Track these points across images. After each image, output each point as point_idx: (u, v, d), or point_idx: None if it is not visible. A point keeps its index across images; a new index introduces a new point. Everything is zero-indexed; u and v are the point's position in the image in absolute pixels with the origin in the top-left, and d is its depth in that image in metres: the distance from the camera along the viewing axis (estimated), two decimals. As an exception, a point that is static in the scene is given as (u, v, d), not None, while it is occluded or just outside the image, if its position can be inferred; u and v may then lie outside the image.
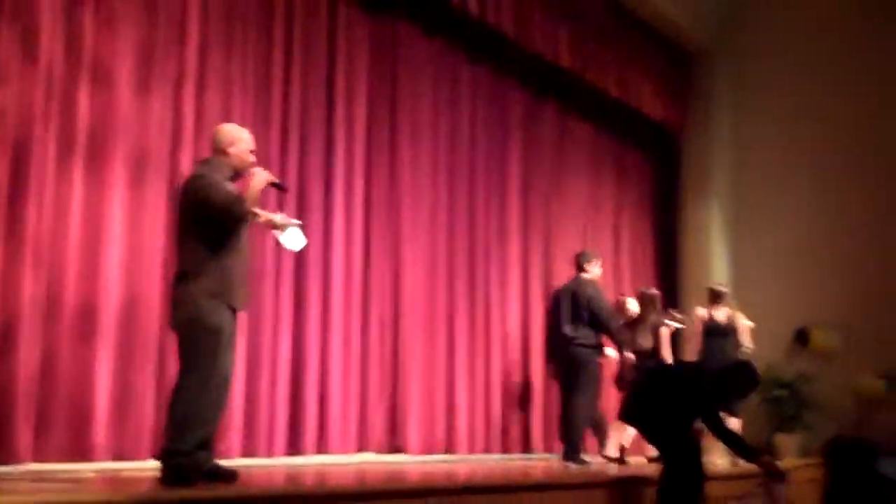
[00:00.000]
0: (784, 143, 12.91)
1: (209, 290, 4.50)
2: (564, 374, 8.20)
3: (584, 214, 11.32)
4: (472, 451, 9.12)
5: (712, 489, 5.93)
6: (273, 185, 4.86)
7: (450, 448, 8.89)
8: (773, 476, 5.90)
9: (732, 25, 13.33)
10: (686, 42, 12.65)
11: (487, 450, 9.36)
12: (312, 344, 7.57)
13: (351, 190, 8.14)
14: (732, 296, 12.33)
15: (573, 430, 7.87)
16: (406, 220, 8.69)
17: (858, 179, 12.31)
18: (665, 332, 8.58)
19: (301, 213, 7.24)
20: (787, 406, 11.67)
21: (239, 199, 4.58)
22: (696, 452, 5.66)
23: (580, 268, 8.41)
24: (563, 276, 10.55)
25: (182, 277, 4.56)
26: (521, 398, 10.01)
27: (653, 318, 8.63)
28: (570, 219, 11.08)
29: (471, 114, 9.74)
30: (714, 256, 12.77)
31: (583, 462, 7.75)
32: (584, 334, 8.04)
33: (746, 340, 9.11)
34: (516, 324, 10.06)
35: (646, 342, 8.49)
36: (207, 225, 4.54)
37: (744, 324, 9.18)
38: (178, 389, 4.47)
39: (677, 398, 5.69)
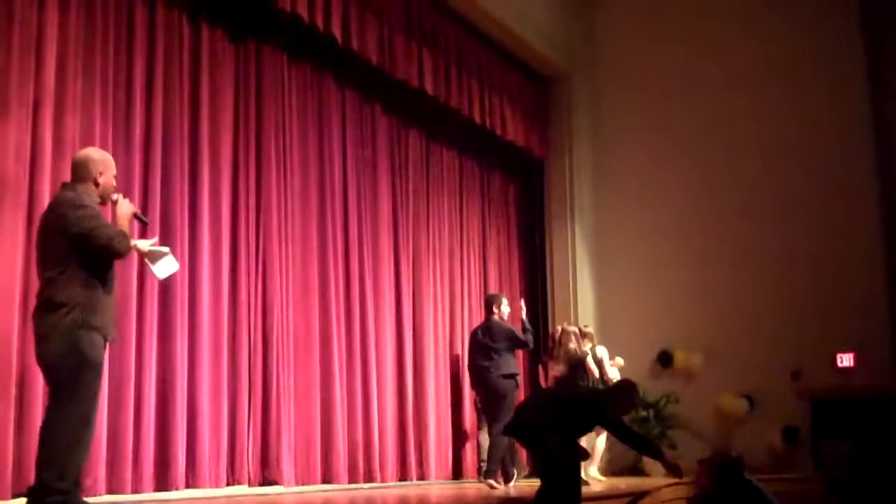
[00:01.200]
0: (642, 161, 13.45)
1: (87, 322, 4.39)
2: (486, 402, 9.43)
3: (452, 237, 11.46)
4: (351, 480, 9.02)
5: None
6: (136, 216, 4.76)
7: (327, 478, 8.75)
8: (673, 472, 6.11)
9: (589, 49, 13.85)
10: (546, 68, 12.98)
11: (368, 479, 9.27)
12: (179, 374, 7.33)
13: (217, 216, 7.98)
14: (597, 317, 12.80)
15: (496, 451, 8.74)
16: (274, 247, 8.56)
17: (714, 195, 12.89)
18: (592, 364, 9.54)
19: (165, 240, 7.03)
20: (652, 426, 11.98)
21: (123, 235, 4.54)
22: (576, 467, 5.93)
23: (490, 310, 9.63)
24: (430, 298, 10.68)
25: (53, 308, 4.39)
26: (398, 424, 9.97)
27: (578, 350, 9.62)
28: (438, 242, 11.19)
29: (340, 139, 9.72)
30: (579, 276, 13.09)
31: (493, 486, 8.54)
32: (502, 365, 9.17)
33: (613, 374, 9.65)
34: (391, 348, 10.04)
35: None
36: (87, 257, 4.44)
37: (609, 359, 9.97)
38: (55, 424, 4.30)
39: (575, 414, 6.02)
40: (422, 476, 10.05)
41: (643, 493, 7.30)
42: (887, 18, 12.43)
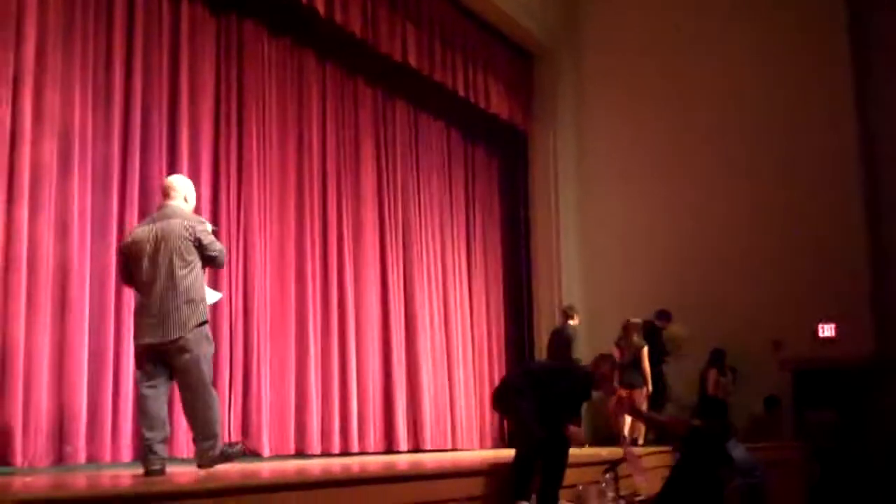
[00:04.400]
0: (626, 133, 13.56)
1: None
2: None
3: (439, 210, 11.56)
4: (326, 450, 9.11)
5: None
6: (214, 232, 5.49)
7: (301, 449, 8.85)
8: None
9: (572, 23, 13.90)
10: (529, 41, 13.02)
11: (344, 449, 9.35)
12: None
13: (197, 191, 8.00)
14: (582, 289, 12.92)
15: None
16: (254, 222, 8.63)
17: (697, 167, 13.00)
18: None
19: (144, 214, 7.10)
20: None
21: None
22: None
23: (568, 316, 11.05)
24: (422, 272, 10.76)
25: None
26: (382, 397, 10.07)
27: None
28: (425, 215, 11.27)
29: (321, 113, 9.77)
30: (563, 247, 13.19)
31: None
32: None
33: None
34: (376, 321, 10.13)
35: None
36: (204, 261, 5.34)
37: None
38: (207, 404, 5.29)
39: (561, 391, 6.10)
40: (414, 446, 10.23)
41: (621, 460, 7.39)
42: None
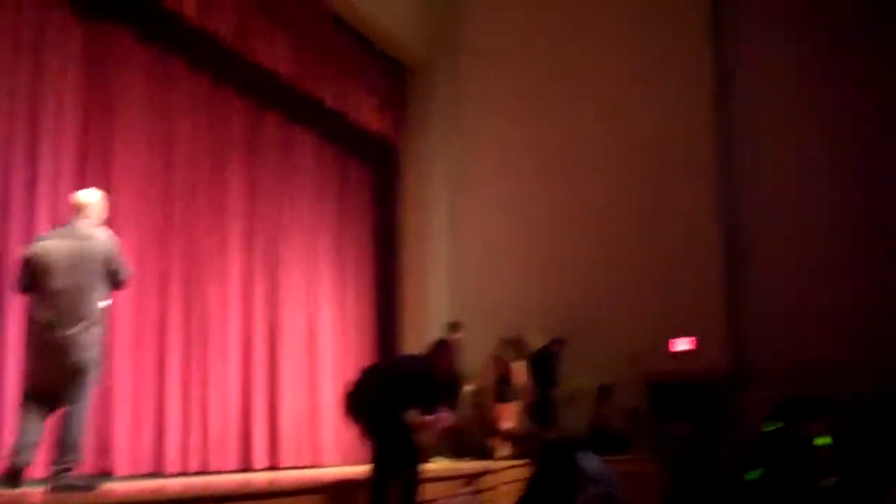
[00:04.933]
0: (498, 152, 13.74)
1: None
2: None
3: (308, 224, 11.47)
4: (184, 468, 8.95)
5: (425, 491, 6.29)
6: None
7: (160, 467, 8.67)
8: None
9: (448, 32, 14.07)
10: (403, 53, 13.11)
11: (203, 468, 9.19)
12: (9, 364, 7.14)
13: (57, 204, 7.76)
14: (451, 304, 13.03)
15: None
16: (117, 232, 8.34)
17: (569, 181, 13.31)
18: None
19: (2, 228, 6.87)
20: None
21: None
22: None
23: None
24: (289, 286, 10.67)
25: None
26: (241, 414, 9.94)
27: None
28: (295, 229, 11.18)
29: (189, 123, 9.59)
30: (432, 261, 13.32)
31: None
32: None
33: None
34: (236, 337, 10.00)
35: None
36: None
37: None
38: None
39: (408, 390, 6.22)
40: (273, 465, 10.16)
41: (482, 473, 7.54)
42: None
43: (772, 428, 6.92)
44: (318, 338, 11.39)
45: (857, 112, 12.13)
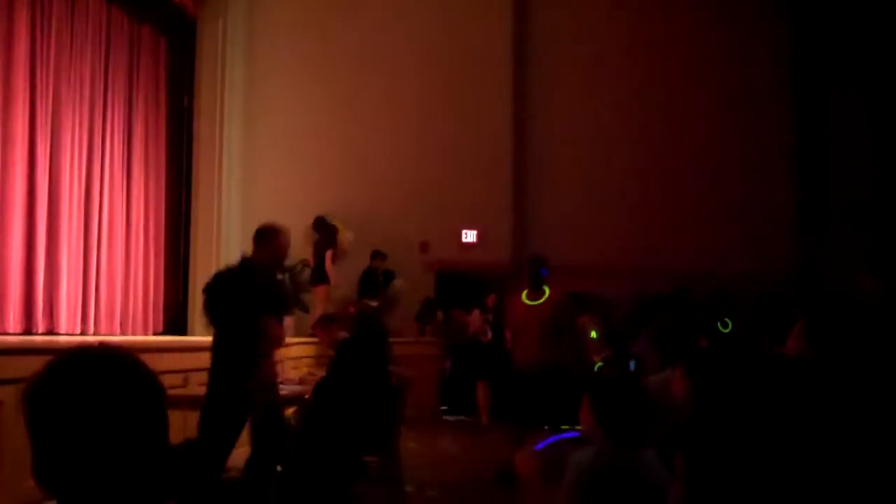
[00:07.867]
0: (294, 41, 13.50)
1: None
2: None
3: (94, 89, 10.87)
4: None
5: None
6: None
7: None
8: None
9: None
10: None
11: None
12: None
13: None
14: (243, 187, 12.88)
15: None
16: None
17: (364, 73, 13.38)
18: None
19: None
20: (289, 289, 12.34)
21: None
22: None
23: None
24: (68, 153, 10.21)
25: None
26: (23, 277, 9.53)
27: None
28: (78, 98, 10.55)
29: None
30: (228, 143, 13.00)
31: None
32: None
33: None
34: (21, 199, 9.51)
35: None
36: None
37: None
38: None
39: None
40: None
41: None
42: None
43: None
44: (94, 208, 10.83)
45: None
